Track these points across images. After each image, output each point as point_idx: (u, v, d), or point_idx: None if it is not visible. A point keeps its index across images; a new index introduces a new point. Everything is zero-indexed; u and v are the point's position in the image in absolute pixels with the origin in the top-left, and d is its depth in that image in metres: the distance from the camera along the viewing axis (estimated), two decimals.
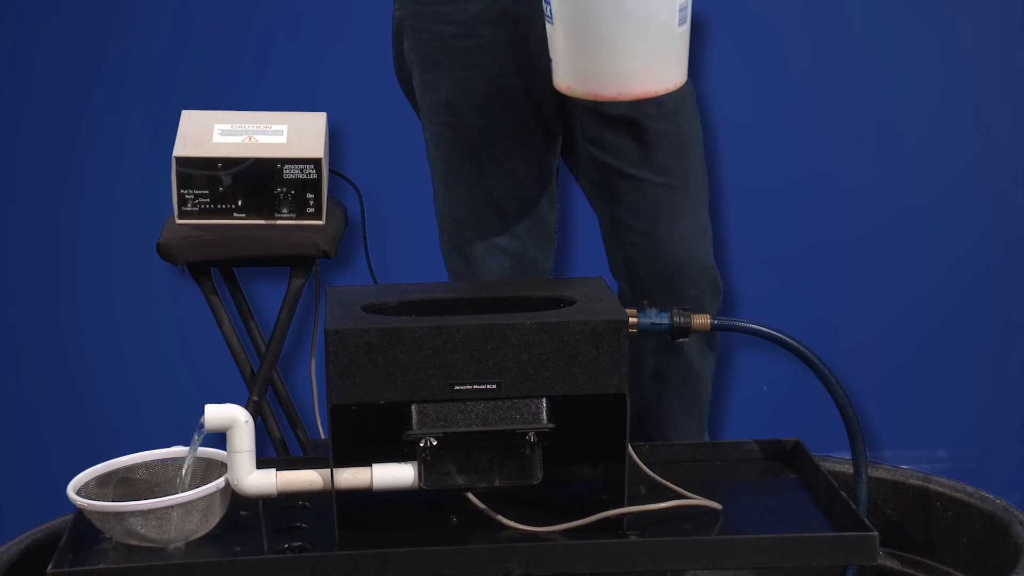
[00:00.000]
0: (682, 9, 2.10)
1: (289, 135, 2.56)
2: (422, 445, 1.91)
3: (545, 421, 1.91)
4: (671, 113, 2.43)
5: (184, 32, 2.90)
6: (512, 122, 2.44)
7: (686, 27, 2.12)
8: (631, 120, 2.42)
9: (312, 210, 2.54)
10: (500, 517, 1.97)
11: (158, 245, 2.50)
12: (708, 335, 2.56)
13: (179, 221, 2.53)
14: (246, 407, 2.22)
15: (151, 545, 1.94)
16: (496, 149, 2.45)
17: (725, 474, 2.21)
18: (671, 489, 2.05)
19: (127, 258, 2.96)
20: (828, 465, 2.53)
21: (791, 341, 2.11)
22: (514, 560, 1.89)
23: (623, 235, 2.52)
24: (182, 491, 1.95)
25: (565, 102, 2.43)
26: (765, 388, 3.02)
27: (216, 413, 1.92)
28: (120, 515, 1.92)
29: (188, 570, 1.90)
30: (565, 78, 2.16)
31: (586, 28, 2.10)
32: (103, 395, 3.02)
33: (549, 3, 2.11)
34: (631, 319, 2.03)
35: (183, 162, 2.51)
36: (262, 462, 1.98)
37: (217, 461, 2.02)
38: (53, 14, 2.90)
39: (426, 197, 2.88)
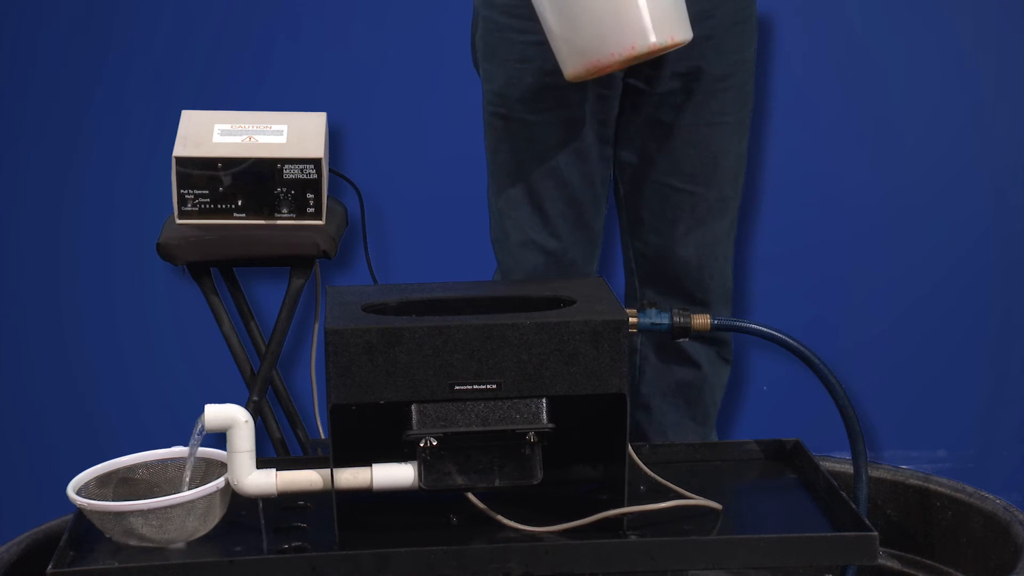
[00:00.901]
0: None
1: (289, 135, 2.56)
2: (422, 445, 1.90)
3: (545, 421, 1.91)
4: (705, 124, 2.44)
5: (184, 32, 2.90)
6: (561, 121, 2.44)
7: None
8: (664, 124, 2.43)
9: (312, 210, 2.53)
10: (500, 517, 1.97)
11: (158, 245, 2.50)
12: (722, 348, 2.59)
13: (179, 221, 2.53)
14: (246, 407, 2.22)
15: (151, 545, 1.94)
16: (541, 146, 2.46)
17: (725, 474, 2.21)
18: (671, 489, 2.05)
19: (127, 258, 2.96)
20: (828, 465, 2.53)
21: (791, 341, 2.11)
22: (514, 560, 1.89)
23: (640, 233, 2.53)
24: (183, 490, 1.95)
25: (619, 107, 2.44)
26: (765, 388, 3.02)
27: (216, 413, 1.92)
28: (120, 515, 1.92)
29: (188, 570, 1.89)
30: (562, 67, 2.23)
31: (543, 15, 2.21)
32: (103, 395, 3.02)
33: None
34: (631, 319, 2.03)
35: (183, 162, 2.50)
36: (262, 462, 1.98)
37: (217, 461, 2.02)
38: (53, 14, 2.90)
39: (426, 197, 2.89)
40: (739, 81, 2.46)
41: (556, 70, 2.33)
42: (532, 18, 2.28)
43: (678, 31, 2.19)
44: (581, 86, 2.36)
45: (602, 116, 2.45)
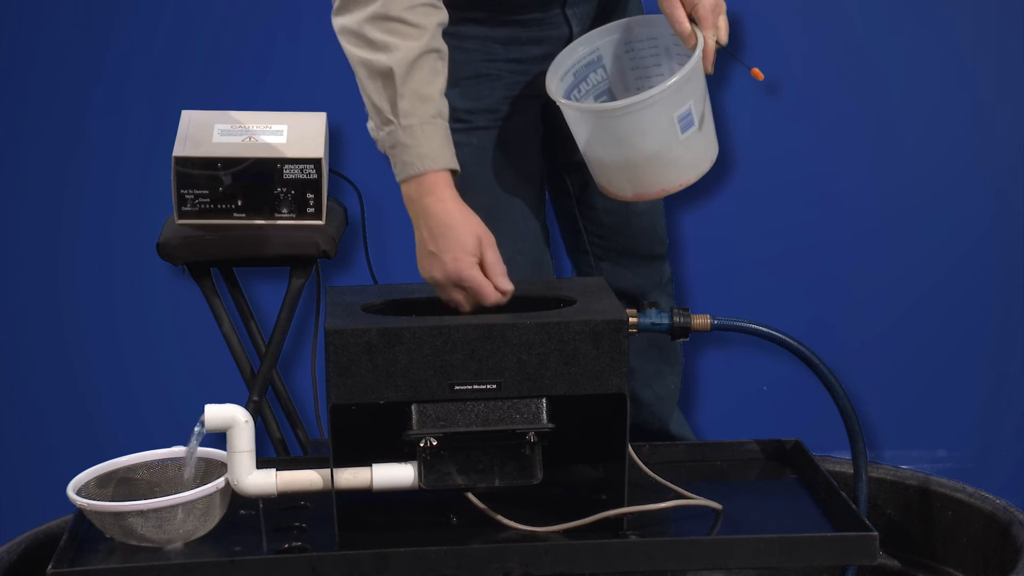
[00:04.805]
0: (683, 118, 2.20)
1: (289, 135, 2.56)
2: (422, 445, 1.91)
3: (545, 421, 1.91)
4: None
5: (184, 32, 2.90)
6: (523, 125, 2.44)
7: (692, 130, 2.22)
8: None
9: (312, 210, 2.54)
10: (500, 517, 1.97)
11: (158, 245, 2.50)
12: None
13: (179, 221, 2.53)
14: (246, 407, 2.22)
15: (151, 545, 1.94)
16: (511, 154, 2.45)
17: (725, 474, 2.21)
18: (671, 489, 2.05)
19: (127, 258, 2.96)
20: (828, 465, 2.53)
21: (791, 341, 2.11)
22: (514, 560, 1.89)
23: (594, 218, 2.54)
24: (183, 490, 1.95)
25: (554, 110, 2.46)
26: (765, 388, 3.01)
27: (216, 413, 1.92)
28: (120, 515, 1.92)
29: (188, 570, 1.90)
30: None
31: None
32: (103, 395, 3.02)
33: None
34: (631, 319, 2.03)
35: (183, 162, 2.51)
36: (262, 462, 1.98)
37: (217, 461, 2.02)
38: (53, 14, 2.90)
39: None
40: None
41: (514, 84, 2.33)
42: (482, 38, 2.29)
43: (714, 152, 2.29)
44: (535, 96, 2.37)
45: (548, 118, 2.46)
